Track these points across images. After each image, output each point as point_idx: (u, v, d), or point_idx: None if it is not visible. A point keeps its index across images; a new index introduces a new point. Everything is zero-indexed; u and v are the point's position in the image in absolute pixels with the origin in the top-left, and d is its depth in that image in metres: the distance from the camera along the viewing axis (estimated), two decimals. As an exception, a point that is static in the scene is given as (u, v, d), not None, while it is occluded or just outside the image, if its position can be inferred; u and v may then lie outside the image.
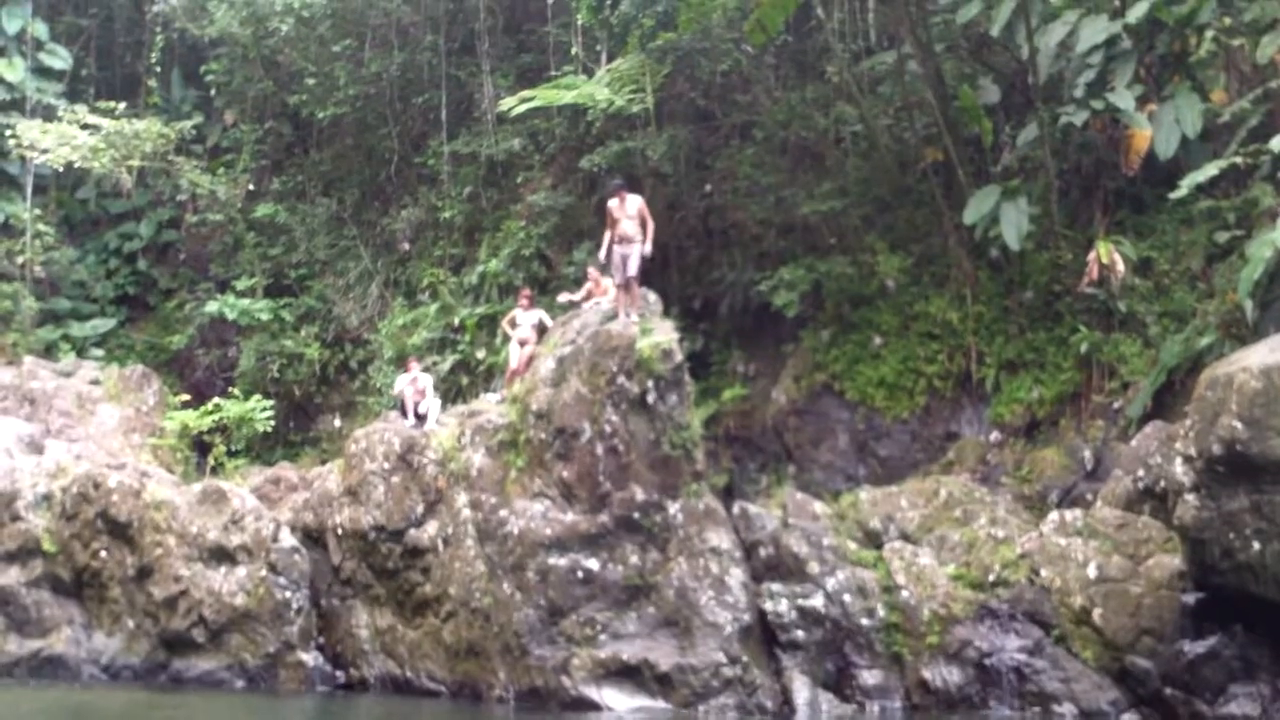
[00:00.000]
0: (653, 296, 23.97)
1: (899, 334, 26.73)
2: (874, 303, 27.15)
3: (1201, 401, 19.43)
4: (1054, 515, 22.11)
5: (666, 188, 29.48)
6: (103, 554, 24.27)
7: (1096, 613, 20.71)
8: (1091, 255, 24.67)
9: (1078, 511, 21.98)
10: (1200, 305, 23.85)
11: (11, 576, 24.50)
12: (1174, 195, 23.56)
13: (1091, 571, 20.91)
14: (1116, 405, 24.23)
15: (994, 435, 25.20)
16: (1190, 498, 19.44)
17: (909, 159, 28.23)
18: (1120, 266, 24.43)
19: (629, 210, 23.14)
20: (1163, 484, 20.98)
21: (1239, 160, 23.13)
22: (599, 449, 22.08)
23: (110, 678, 23.88)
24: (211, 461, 29.68)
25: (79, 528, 24.47)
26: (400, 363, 28.61)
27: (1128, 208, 26.07)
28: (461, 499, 22.96)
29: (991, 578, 21.51)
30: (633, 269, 22.90)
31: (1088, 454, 23.95)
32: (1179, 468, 19.78)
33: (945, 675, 21.14)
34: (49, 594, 24.52)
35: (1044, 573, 21.24)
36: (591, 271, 25.23)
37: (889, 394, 26.44)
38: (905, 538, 22.66)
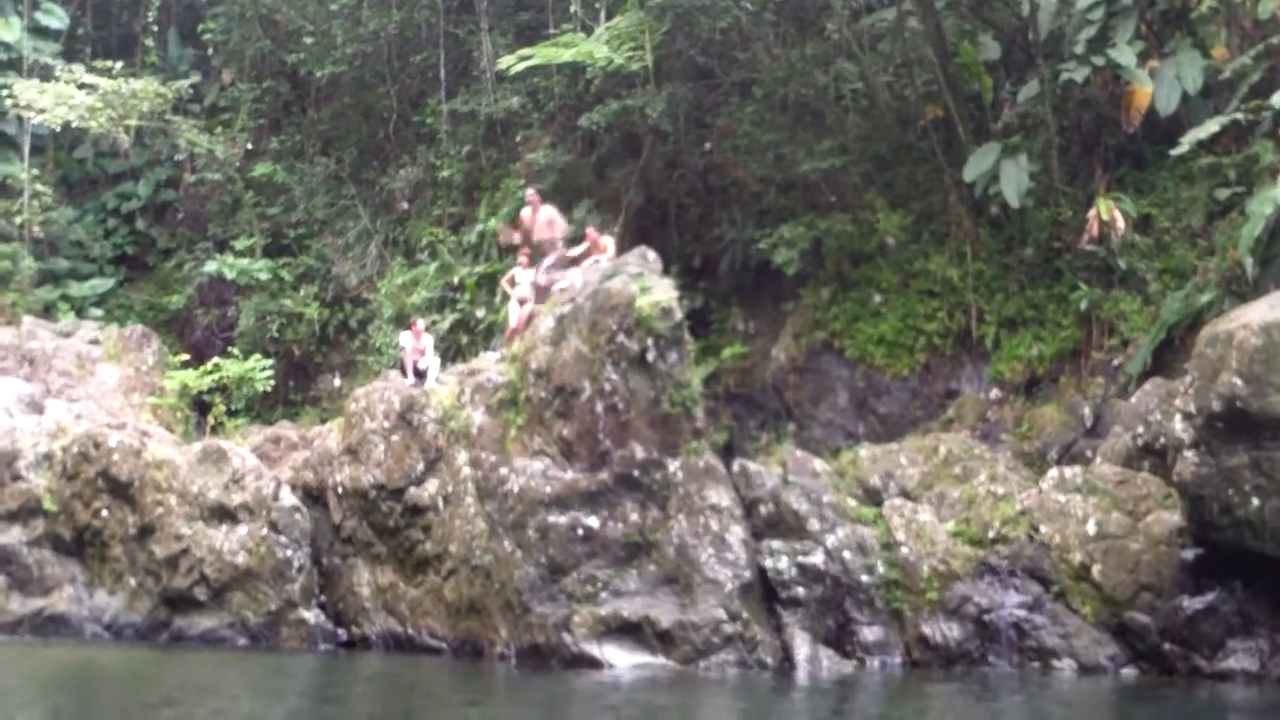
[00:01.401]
0: (652, 255, 23.93)
1: (899, 291, 26.71)
2: (874, 260, 27.12)
3: (1201, 358, 19.45)
4: (1053, 472, 22.17)
5: (666, 146, 29.42)
6: (104, 513, 24.32)
7: (1096, 569, 20.79)
8: (1092, 212, 24.64)
9: (1077, 468, 22.03)
10: (1201, 262, 23.84)
11: (13, 536, 24.54)
12: (1175, 152, 23.53)
13: (1091, 528, 20.98)
14: (1116, 362, 24.25)
15: (994, 392, 25.22)
16: (1190, 454, 19.49)
17: (909, 116, 28.15)
18: (1120, 223, 24.40)
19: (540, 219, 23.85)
20: (1162, 440, 21.02)
21: (1240, 116, 23.06)
22: (599, 407, 22.09)
23: (113, 636, 23.95)
24: (211, 421, 29.70)
25: (80, 487, 24.51)
26: (400, 322, 28.61)
27: (1128, 164, 26.01)
28: (461, 457, 22.98)
29: (991, 534, 21.57)
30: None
31: (1087, 411, 23.97)
32: (1179, 424, 19.82)
33: (945, 631, 21.22)
34: (51, 553, 24.57)
35: (1043, 529, 21.30)
36: (590, 231, 25.20)
37: (889, 351, 26.44)
38: (905, 495, 22.71)
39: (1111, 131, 26.03)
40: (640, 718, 17.68)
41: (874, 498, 22.76)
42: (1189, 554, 20.30)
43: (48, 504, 24.57)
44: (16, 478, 24.79)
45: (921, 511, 22.13)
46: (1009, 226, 26.20)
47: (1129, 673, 20.51)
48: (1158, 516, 20.77)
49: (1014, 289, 25.92)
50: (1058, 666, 20.69)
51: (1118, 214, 24.40)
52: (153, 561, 24.00)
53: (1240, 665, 19.81)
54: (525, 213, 24.41)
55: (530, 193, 25.53)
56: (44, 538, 24.59)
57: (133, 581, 24.17)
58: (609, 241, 24.40)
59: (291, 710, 17.53)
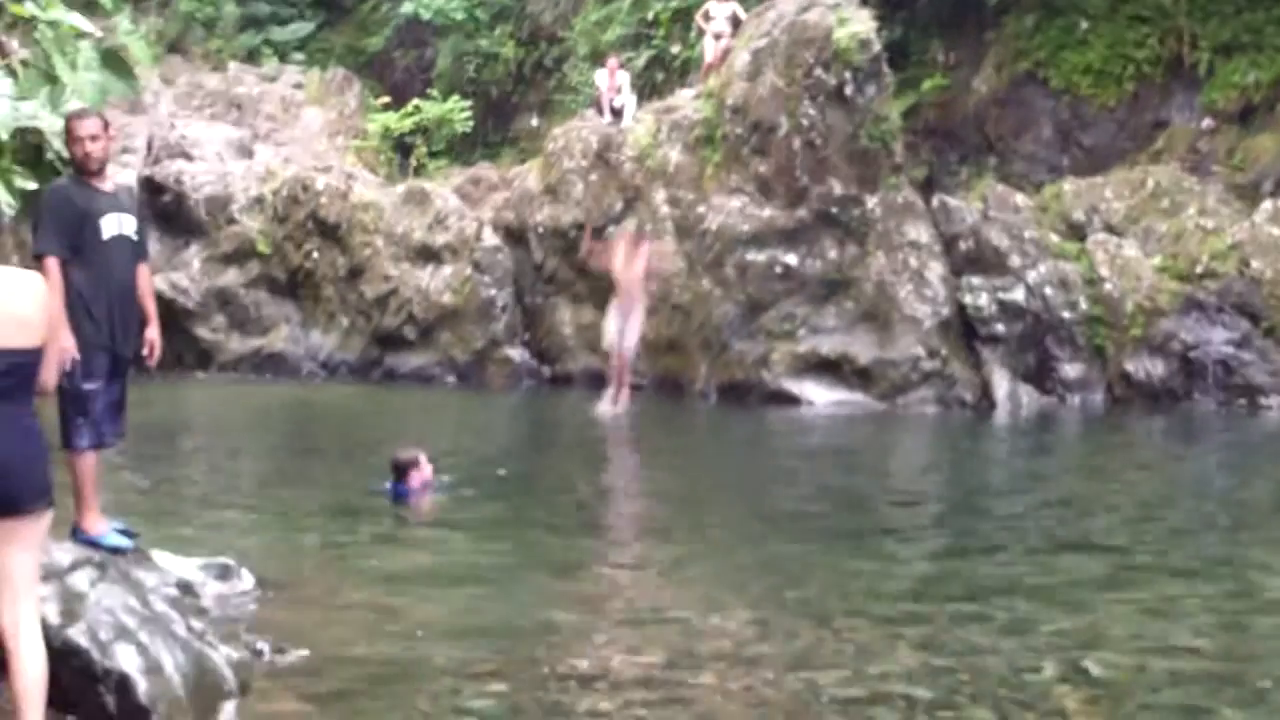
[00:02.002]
0: (850, -15, 23.36)
1: (1107, 17, 25.65)
2: (1081, -15, 26.08)
3: None
4: (1267, 204, 21.48)
5: None
6: (314, 255, 25.02)
7: (1309, 303, 20.26)
8: (1318, -73, 23.29)
9: (1292, 200, 21.30)
10: None
11: (230, 278, 25.37)
12: None
13: (1305, 261, 20.38)
14: (1339, 89, 23.16)
15: (1206, 122, 24.30)
16: None
17: None
18: (1349, -62, 23.04)
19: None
20: (1385, 170, 20.21)
21: None
22: (796, 143, 21.90)
23: (328, 373, 24.82)
24: (414, 163, 30.10)
25: (290, 229, 25.18)
26: (596, 59, 28.45)
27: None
28: (659, 195, 23.07)
29: (1199, 269, 21.09)
30: None
31: (1306, 140, 23.05)
32: (1403, 153, 19.01)
33: (1148, 368, 20.98)
34: (266, 294, 25.37)
35: (1254, 264, 20.76)
36: None
37: (1095, 80, 25.56)
38: (1110, 229, 22.23)
39: None
40: (840, 451, 17.94)
41: (1077, 233, 22.34)
42: None
43: (261, 246, 25.29)
44: (230, 221, 25.50)
45: (1127, 246, 21.69)
46: (1228, -56, 24.91)
47: (1340, 409, 20.14)
48: (1377, 249, 20.09)
49: (1230, 11, 24.70)
50: (1265, 404, 20.36)
51: (1346, -72, 23.04)
52: (363, 301, 24.72)
53: None
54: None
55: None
56: (259, 279, 25.38)
57: (345, 321, 24.95)
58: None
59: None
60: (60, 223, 7.79)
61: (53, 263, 7.65)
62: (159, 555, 8.49)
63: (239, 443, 17.98)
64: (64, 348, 7.00)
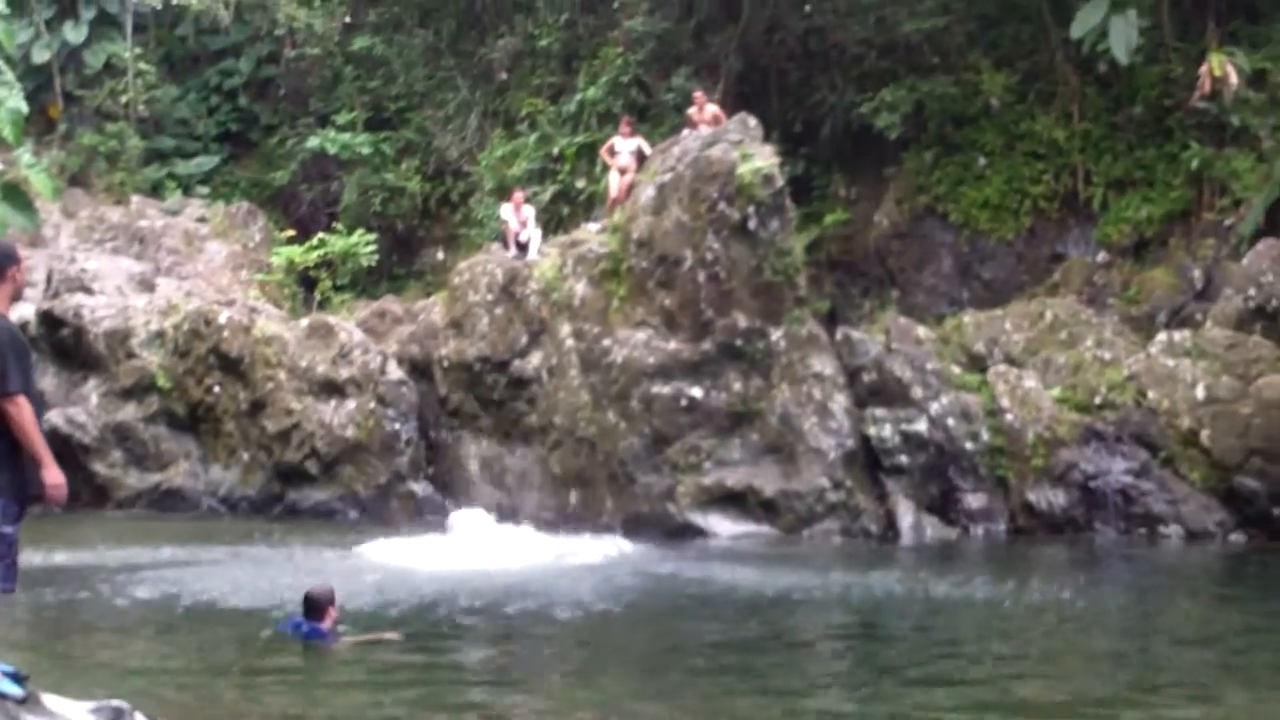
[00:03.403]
0: (753, 121, 23.70)
1: (1004, 154, 26.27)
2: (978, 122, 26.67)
3: (1316, 218, 19.02)
4: (1162, 336, 21.86)
5: (765, 9, 28.96)
6: (215, 389, 24.76)
7: (1204, 434, 20.56)
8: (1203, 68, 23.94)
9: (1186, 332, 21.71)
10: (1316, 117, 23.21)
11: (129, 413, 25.07)
12: (1290, 3, 22.83)
13: (1200, 392, 20.71)
14: (1228, 223, 23.72)
15: (1101, 255, 24.81)
16: (1302, 316, 19.14)
17: (1014, -28, 27.53)
18: (1233, 79, 23.69)
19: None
20: (1275, 302, 20.69)
21: (1360, -36, 22.29)
22: (701, 276, 22.06)
23: (228, 509, 24.47)
24: (318, 296, 30.02)
25: (192, 364, 24.94)
26: (501, 194, 28.60)
27: (1241, 17, 25.28)
28: (565, 329, 23.09)
29: (1098, 400, 21.37)
30: None
31: (1197, 273, 23.54)
32: (1291, 286, 19.45)
33: (1050, 498, 21.15)
34: (165, 429, 25.06)
35: (1151, 394, 21.07)
36: (698, 95, 24.91)
37: (993, 215, 26.08)
38: (1010, 361, 22.52)
39: (1224, -17, 25.31)
40: (742, 584, 17.77)
41: (978, 364, 22.61)
42: (1301, 417, 20.00)
43: (161, 381, 25.03)
44: (130, 355, 25.26)
45: (1027, 377, 21.95)
46: (1117, 84, 25.61)
47: (1237, 539, 20.36)
48: (1269, 380, 20.44)
49: (1122, 149, 25.39)
50: (1164, 533, 20.56)
51: (1230, 69, 23.71)
52: (264, 436, 24.45)
53: (1352, 528, 19.59)
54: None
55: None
56: (159, 414, 25.09)
57: (246, 456, 24.65)
58: (714, 109, 24.20)
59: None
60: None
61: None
62: (50, 699, 8.22)
63: (140, 580, 17.54)
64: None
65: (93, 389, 25.23)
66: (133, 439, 24.99)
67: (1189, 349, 21.22)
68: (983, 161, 26.39)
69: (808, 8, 28.97)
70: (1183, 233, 24.29)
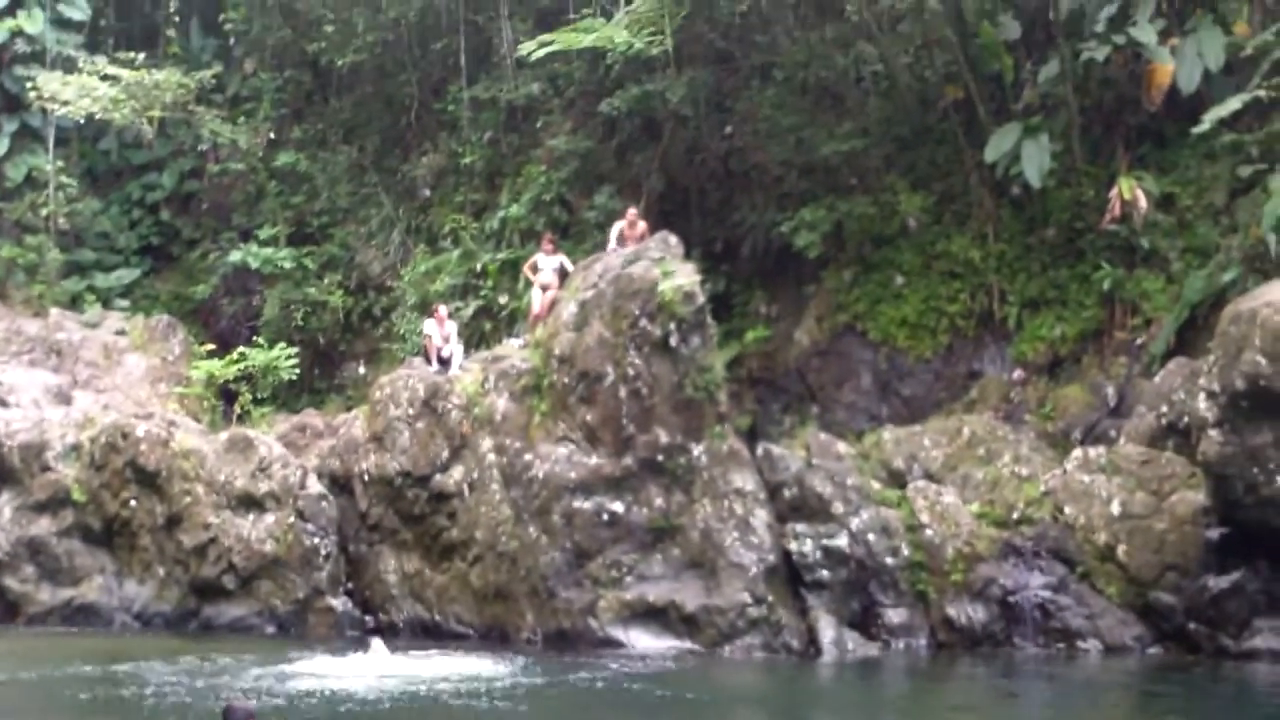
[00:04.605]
0: (674, 239, 23.99)
1: (921, 273, 26.68)
2: (895, 242, 27.09)
3: (1225, 337, 19.45)
4: (1077, 452, 22.17)
5: (686, 130, 29.42)
6: (132, 503, 24.46)
7: (1120, 549, 20.82)
8: (1114, 191, 24.57)
9: (1101, 448, 22.04)
10: (1223, 240, 23.78)
11: (43, 527, 24.72)
12: (1197, 130, 23.46)
13: (1115, 508, 21.00)
14: (1139, 342, 24.21)
15: (1017, 373, 25.18)
16: (1214, 433, 19.49)
17: (930, 97, 28.14)
18: (1143, 202, 24.33)
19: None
20: (1186, 420, 21.01)
21: (1262, 94, 22.94)
22: (622, 392, 22.17)
23: (142, 625, 24.11)
24: (238, 410, 29.78)
25: (108, 477, 24.65)
26: (423, 309, 28.65)
27: (1150, 143, 25.95)
28: (486, 444, 23.07)
29: (1015, 515, 21.62)
30: None
31: (1111, 391, 23.95)
32: (1202, 403, 19.82)
33: (970, 613, 21.28)
34: (80, 543, 24.72)
35: (1068, 510, 21.33)
36: (631, 212, 25.11)
37: (911, 333, 26.42)
38: (929, 476, 22.74)
39: (1133, 110, 25.97)
40: (665, 701, 17.70)
41: (898, 480, 22.81)
42: (1214, 533, 20.29)
43: (76, 494, 24.72)
44: (45, 469, 24.96)
45: (945, 493, 22.17)
46: (1031, 207, 26.14)
47: (1154, 653, 20.56)
48: (1182, 496, 20.77)
49: (1036, 269, 25.88)
50: (1083, 647, 20.74)
51: (1140, 193, 24.34)
52: (181, 551, 24.14)
53: (1266, 644, 19.80)
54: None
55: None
56: (73, 528, 24.75)
57: (161, 571, 24.32)
58: (643, 226, 24.46)
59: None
60: None
61: None
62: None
63: (45, 699, 17.23)
64: None
65: (6, 502, 24.91)
66: (45, 553, 24.63)
67: (1104, 465, 21.53)
68: (900, 280, 26.78)
69: (728, 129, 29.45)
70: (1096, 351, 24.73)
